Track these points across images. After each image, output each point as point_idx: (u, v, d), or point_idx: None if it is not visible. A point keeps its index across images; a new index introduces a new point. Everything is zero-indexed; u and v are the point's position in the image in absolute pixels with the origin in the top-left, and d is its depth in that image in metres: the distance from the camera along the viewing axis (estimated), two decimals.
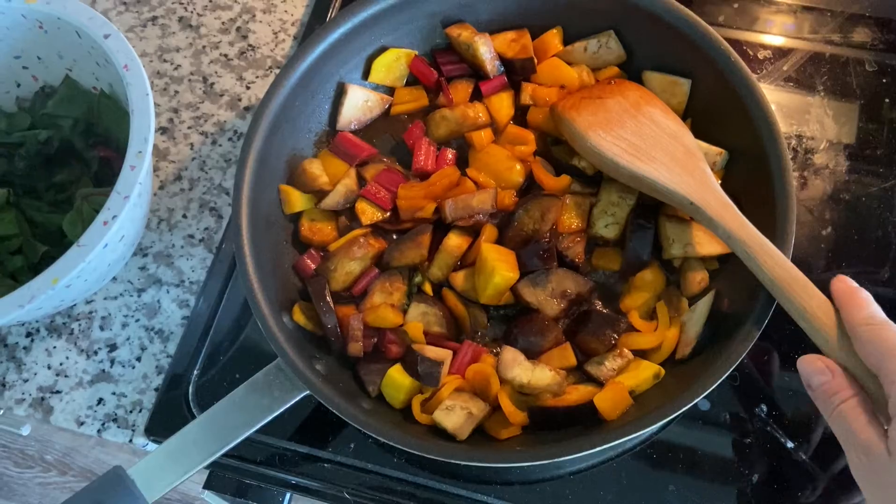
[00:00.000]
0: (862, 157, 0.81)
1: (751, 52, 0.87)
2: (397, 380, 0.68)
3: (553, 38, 0.81)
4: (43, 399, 0.75)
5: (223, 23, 0.91)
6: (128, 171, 0.63)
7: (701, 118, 0.77)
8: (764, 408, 0.71)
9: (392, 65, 0.82)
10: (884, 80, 0.85)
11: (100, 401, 0.75)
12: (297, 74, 0.75)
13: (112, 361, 0.77)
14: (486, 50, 0.79)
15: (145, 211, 0.72)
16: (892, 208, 0.79)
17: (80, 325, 0.78)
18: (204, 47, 0.90)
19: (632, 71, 0.80)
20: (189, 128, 0.86)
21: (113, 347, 0.77)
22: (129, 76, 0.67)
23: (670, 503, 0.68)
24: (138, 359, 0.77)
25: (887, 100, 0.84)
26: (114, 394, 0.75)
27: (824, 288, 0.62)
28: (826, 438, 0.70)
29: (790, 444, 0.70)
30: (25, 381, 0.76)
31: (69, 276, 0.61)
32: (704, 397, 0.64)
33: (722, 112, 0.74)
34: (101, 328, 0.78)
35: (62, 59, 0.76)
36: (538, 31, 0.81)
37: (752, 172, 0.71)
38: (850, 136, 0.82)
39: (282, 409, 0.64)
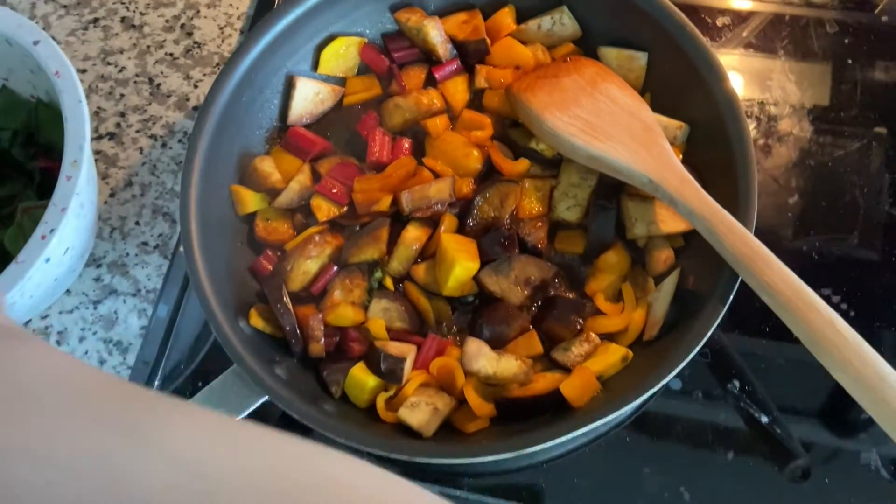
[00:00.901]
0: (826, 121, 0.79)
1: (709, 20, 0.85)
2: (360, 379, 0.66)
3: (505, 17, 0.78)
4: None
5: (167, 20, 0.88)
6: (64, 181, 0.61)
7: (659, 92, 0.75)
8: (736, 383, 0.70)
9: (342, 54, 0.79)
10: (846, 41, 0.83)
11: None
12: (241, 70, 0.73)
13: None
14: (437, 34, 0.77)
15: (91, 220, 0.70)
16: (859, 172, 0.77)
17: None
18: (148, 47, 0.87)
19: (588, 47, 0.78)
20: (137, 132, 0.83)
21: None
22: (62, 83, 0.64)
23: (646, 486, 0.67)
24: None
25: (850, 60, 0.82)
26: None
27: (792, 257, 0.61)
28: (799, 410, 0.69)
29: (764, 419, 0.69)
30: None
31: (10, 294, 0.59)
32: (676, 376, 0.62)
33: (680, 85, 0.73)
34: (59, 343, 0.76)
35: None
36: (490, 11, 0.79)
37: (713, 145, 0.70)
38: (813, 100, 0.81)
39: (241, 416, 0.63)
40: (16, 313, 0.66)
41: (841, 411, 0.70)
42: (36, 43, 0.66)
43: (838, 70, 0.82)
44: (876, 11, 0.84)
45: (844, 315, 0.65)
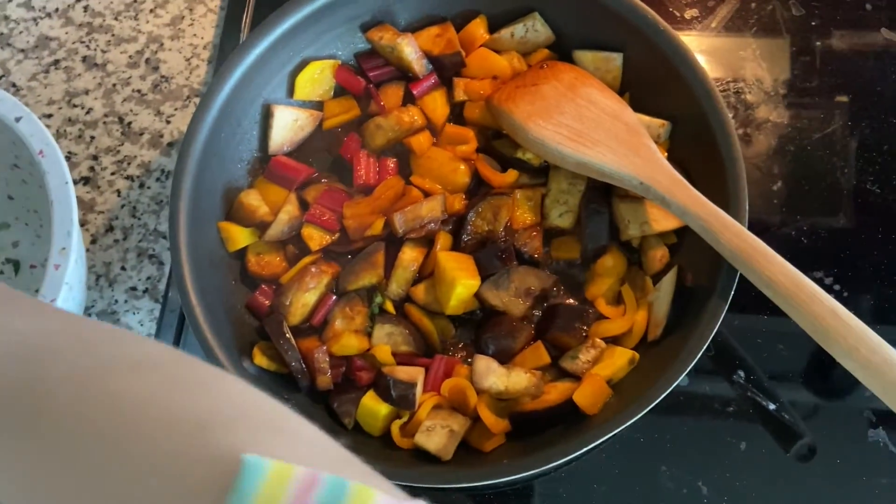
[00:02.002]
0: (802, 105, 0.81)
1: (677, 14, 0.85)
2: (372, 408, 0.66)
3: (478, 27, 0.78)
4: None
5: (130, 56, 0.86)
6: (52, 271, 0.58)
7: (638, 91, 0.75)
8: (741, 373, 0.71)
9: (316, 78, 0.78)
10: (812, 24, 0.84)
11: None
12: (217, 105, 0.71)
13: None
14: (412, 50, 0.76)
15: (80, 300, 0.67)
16: (837, 153, 0.79)
17: None
18: (114, 85, 0.84)
19: (562, 51, 0.78)
20: (112, 174, 0.81)
21: None
22: (46, 163, 0.61)
23: (664, 485, 0.68)
24: None
25: (818, 42, 0.83)
26: None
27: (782, 244, 0.62)
28: (806, 392, 0.71)
29: (772, 406, 0.70)
30: None
31: None
32: None
33: (658, 82, 0.73)
34: None
35: None
36: (461, 22, 0.78)
37: (697, 139, 0.71)
38: (787, 85, 0.82)
39: None
40: None
41: (843, 391, 0.72)
42: (18, 119, 0.63)
43: (807, 51, 0.83)
44: None
45: (838, 296, 0.67)
